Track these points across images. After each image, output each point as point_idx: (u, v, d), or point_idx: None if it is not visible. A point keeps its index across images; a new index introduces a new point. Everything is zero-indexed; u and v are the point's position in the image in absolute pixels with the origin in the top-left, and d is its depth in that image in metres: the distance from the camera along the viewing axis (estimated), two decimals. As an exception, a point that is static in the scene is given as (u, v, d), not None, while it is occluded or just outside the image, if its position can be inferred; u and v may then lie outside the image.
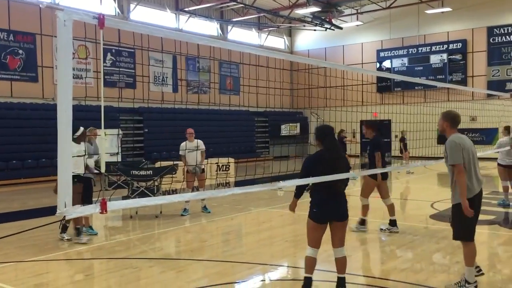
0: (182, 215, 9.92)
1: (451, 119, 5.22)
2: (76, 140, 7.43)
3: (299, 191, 4.99)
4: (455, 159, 5.01)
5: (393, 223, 8.16)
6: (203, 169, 10.16)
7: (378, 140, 8.27)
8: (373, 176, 7.91)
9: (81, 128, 7.60)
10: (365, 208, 8.22)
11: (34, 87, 19.02)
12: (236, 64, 27.37)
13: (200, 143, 9.98)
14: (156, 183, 10.13)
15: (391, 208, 8.17)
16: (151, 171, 10.19)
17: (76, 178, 6.85)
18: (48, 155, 17.61)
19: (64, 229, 7.80)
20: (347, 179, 4.94)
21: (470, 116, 22.40)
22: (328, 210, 4.79)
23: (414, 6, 26.41)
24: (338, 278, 4.90)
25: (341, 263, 4.88)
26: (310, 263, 4.88)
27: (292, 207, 5.13)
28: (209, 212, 10.19)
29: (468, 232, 5.12)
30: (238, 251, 7.34)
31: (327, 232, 4.91)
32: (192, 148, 9.85)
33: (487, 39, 25.38)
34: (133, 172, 10.01)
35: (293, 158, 22.76)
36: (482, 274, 5.41)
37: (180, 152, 10.06)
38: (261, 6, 25.52)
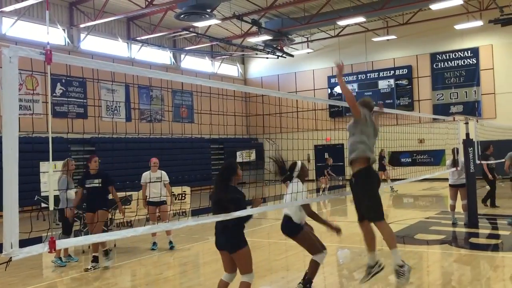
0: (152, 249, 9.55)
1: None
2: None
3: None
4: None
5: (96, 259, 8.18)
6: (164, 200, 9.75)
7: (106, 173, 8.69)
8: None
9: None
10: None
11: (-22, 120, 18.29)
12: (189, 93, 27.39)
13: (164, 174, 9.74)
14: (109, 216, 9.85)
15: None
16: None
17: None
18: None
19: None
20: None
21: (418, 139, 23.26)
22: (216, 239, 5.13)
23: (361, 34, 27.46)
24: None
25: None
26: (219, 285, 5.23)
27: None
28: (172, 247, 9.68)
29: (380, 209, 5.32)
30: (195, 282, 7.22)
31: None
32: (155, 179, 9.62)
33: (431, 65, 26.65)
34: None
35: (249, 184, 22.73)
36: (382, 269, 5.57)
37: (142, 182, 9.72)
38: (213, 35, 25.82)
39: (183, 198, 15.75)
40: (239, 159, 28.73)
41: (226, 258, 5.10)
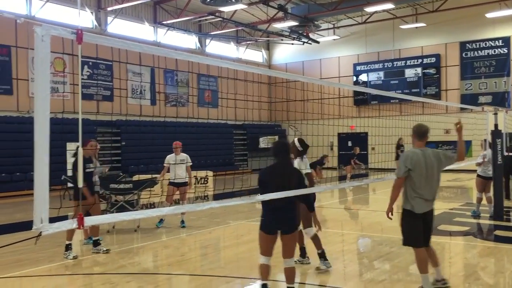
0: (157, 226, 9.99)
1: (414, 131, 5.49)
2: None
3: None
4: (398, 172, 5.35)
5: None
6: (186, 182, 10.13)
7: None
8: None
9: None
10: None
11: (9, 100, 18.70)
12: (214, 77, 27.44)
13: (186, 156, 10.05)
14: (135, 197, 10.07)
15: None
16: (131, 185, 10.10)
17: None
18: (22, 169, 17.30)
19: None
20: (304, 196, 5.04)
21: (444, 129, 22.86)
22: (273, 221, 4.90)
23: (389, 21, 26.97)
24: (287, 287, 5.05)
25: (288, 273, 5.02)
26: (264, 270, 5.03)
27: None
28: (184, 227, 10.13)
29: (413, 238, 5.34)
30: (216, 265, 7.31)
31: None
32: (178, 162, 9.87)
33: (460, 54, 26.05)
34: (112, 185, 9.92)
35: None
36: (448, 287, 5.56)
37: (164, 164, 10.05)
38: (239, 20, 25.72)
39: (205, 182, 15.90)
40: (262, 145, 28.76)
41: (270, 241, 4.95)
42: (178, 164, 9.88)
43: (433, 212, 5.52)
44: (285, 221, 4.90)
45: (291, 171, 5.11)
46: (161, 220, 10.16)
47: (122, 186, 9.93)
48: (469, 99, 25.24)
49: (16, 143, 17.42)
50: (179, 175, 9.90)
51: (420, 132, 5.41)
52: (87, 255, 7.96)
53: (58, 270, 7.00)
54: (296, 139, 6.93)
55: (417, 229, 5.35)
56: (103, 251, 7.79)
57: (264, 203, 4.88)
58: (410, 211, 5.34)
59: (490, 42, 25.22)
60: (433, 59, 26.77)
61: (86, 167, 7.77)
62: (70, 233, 7.60)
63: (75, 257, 7.53)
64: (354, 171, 20.23)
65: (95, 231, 8.01)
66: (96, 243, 7.93)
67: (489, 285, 6.06)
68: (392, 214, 5.50)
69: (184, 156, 10.04)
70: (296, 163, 6.54)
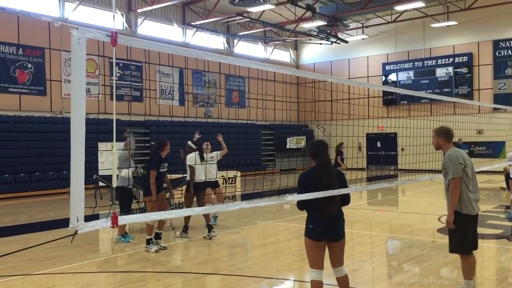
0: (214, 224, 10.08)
1: (444, 134, 5.24)
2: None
3: (301, 209, 4.70)
4: (455, 172, 5.02)
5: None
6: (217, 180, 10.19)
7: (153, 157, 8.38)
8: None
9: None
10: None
11: (42, 101, 19.21)
12: (242, 78, 27.53)
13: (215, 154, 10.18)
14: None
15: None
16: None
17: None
18: (55, 168, 17.73)
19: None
20: (345, 196, 4.70)
21: (477, 129, 22.37)
22: (324, 228, 4.52)
23: (419, 20, 26.55)
24: None
25: (343, 282, 4.66)
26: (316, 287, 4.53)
27: None
28: (215, 223, 10.19)
29: (468, 244, 5.11)
30: (244, 265, 7.33)
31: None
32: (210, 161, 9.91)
33: (493, 53, 25.42)
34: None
35: (300, 171, 22.62)
36: None
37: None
38: (267, 20, 25.74)
39: (233, 182, 15.98)
40: (289, 146, 28.72)
41: (322, 250, 4.57)
42: (209, 164, 9.94)
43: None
44: (336, 229, 4.57)
45: (335, 170, 4.81)
46: (215, 218, 10.31)
47: None
48: (502, 99, 24.60)
49: (49, 143, 17.88)
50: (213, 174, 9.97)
51: (450, 134, 5.26)
52: (118, 253, 8.11)
53: (90, 268, 7.16)
54: (189, 142, 8.76)
55: (471, 233, 5.10)
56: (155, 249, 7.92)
57: (312, 211, 4.57)
58: (466, 215, 5.05)
59: (524, 40, 24.55)
60: (465, 58, 26.21)
61: (161, 167, 8.15)
62: (150, 228, 7.97)
63: (156, 251, 7.85)
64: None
65: (161, 226, 8.28)
66: (158, 236, 8.20)
67: (524, 290, 5.91)
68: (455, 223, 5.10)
69: (213, 154, 10.15)
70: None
